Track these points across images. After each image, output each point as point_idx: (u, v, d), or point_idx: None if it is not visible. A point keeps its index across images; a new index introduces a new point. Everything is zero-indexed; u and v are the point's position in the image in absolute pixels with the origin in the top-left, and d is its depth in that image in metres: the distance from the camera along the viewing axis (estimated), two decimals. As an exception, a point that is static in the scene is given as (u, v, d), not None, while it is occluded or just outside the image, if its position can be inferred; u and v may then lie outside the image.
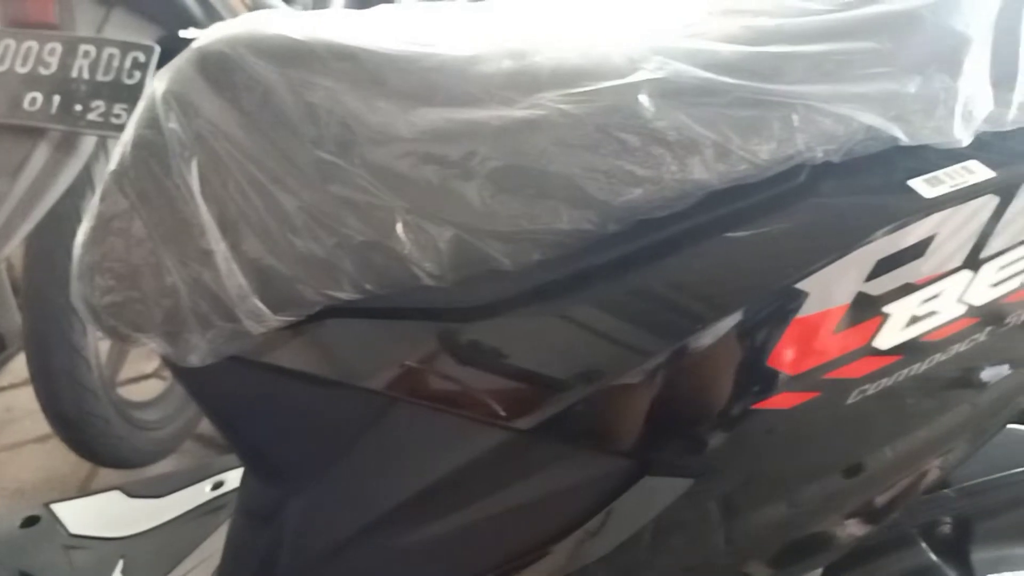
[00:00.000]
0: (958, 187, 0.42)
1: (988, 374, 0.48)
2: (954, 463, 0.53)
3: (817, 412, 0.45)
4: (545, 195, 0.42)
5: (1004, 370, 0.49)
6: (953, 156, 0.44)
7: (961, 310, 0.44)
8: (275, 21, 0.47)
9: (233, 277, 0.44)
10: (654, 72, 0.41)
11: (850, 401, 0.45)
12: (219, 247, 0.44)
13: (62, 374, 1.18)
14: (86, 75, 1.00)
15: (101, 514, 0.90)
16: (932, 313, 0.44)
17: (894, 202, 0.42)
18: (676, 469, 0.45)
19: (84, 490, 1.44)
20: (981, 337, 0.46)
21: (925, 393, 0.47)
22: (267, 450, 0.54)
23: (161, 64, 0.55)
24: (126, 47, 1.00)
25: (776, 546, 0.51)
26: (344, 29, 0.46)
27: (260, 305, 0.44)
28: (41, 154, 1.02)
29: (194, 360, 0.47)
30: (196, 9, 1.16)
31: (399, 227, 0.43)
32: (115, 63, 1.00)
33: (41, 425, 1.29)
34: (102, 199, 0.48)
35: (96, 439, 1.27)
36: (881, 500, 0.51)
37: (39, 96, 0.98)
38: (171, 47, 0.62)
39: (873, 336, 0.43)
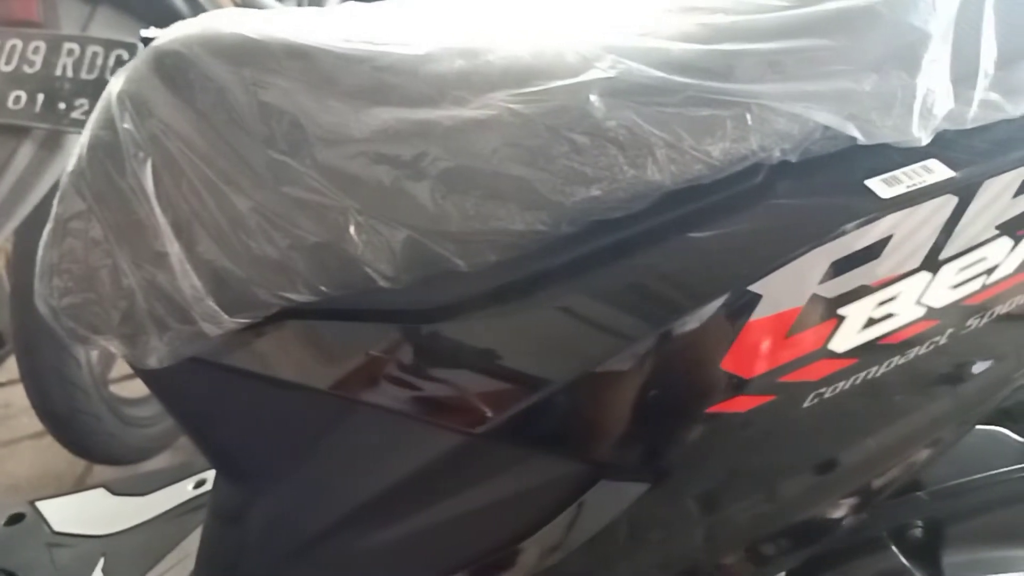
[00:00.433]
0: (916, 187, 0.41)
1: (950, 376, 0.47)
2: (922, 463, 0.52)
3: (774, 415, 0.44)
4: (497, 196, 0.41)
5: (970, 370, 0.48)
6: (915, 155, 0.43)
7: (920, 312, 0.44)
8: (234, 19, 0.47)
9: (188, 279, 0.44)
10: (606, 71, 0.40)
11: (807, 404, 0.44)
12: (173, 249, 0.44)
13: (51, 372, 1.18)
14: (70, 73, 1.00)
15: (85, 512, 0.90)
16: (889, 315, 0.43)
17: (849, 202, 0.41)
18: (632, 474, 0.45)
19: (79, 486, 1.45)
20: (942, 340, 0.45)
21: (884, 396, 0.46)
22: (231, 451, 0.54)
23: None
24: (110, 45, 1.00)
25: (741, 544, 0.50)
26: (301, 27, 0.46)
27: (215, 307, 0.44)
28: (26, 153, 1.02)
29: (153, 362, 0.47)
30: (183, 7, 1.16)
31: (352, 228, 0.42)
32: (99, 61, 1.00)
33: (37, 421, 1.30)
34: (60, 200, 0.48)
35: (88, 436, 1.28)
36: (847, 501, 0.51)
37: (23, 95, 0.98)
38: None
39: (829, 339, 0.42)
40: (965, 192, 0.42)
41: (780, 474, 0.48)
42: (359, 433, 0.48)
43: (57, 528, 0.88)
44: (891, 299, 0.43)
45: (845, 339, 0.43)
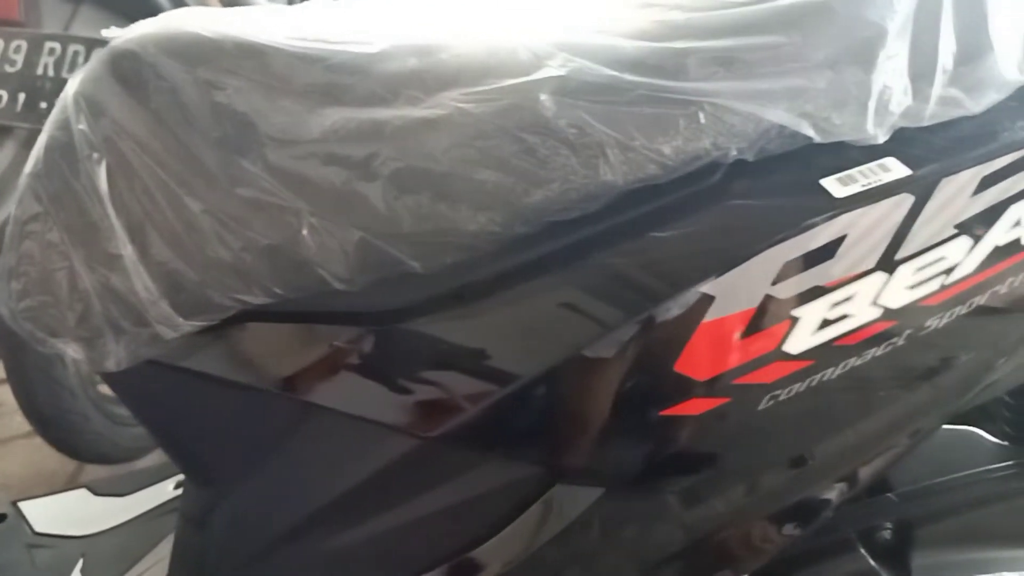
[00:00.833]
0: (871, 186, 0.41)
1: (908, 378, 0.47)
2: (889, 463, 0.51)
3: (729, 418, 0.43)
4: (449, 197, 0.41)
5: (930, 373, 0.47)
6: (874, 153, 0.42)
7: (876, 313, 0.43)
8: (192, 18, 0.46)
9: (142, 281, 0.44)
10: (557, 70, 0.40)
11: (762, 407, 0.43)
12: (127, 251, 0.44)
13: (36, 372, 1.18)
14: (51, 72, 1.00)
15: (66, 512, 0.90)
16: (845, 316, 0.42)
17: (802, 202, 0.40)
18: (587, 478, 0.44)
19: (70, 486, 1.45)
20: (900, 341, 0.44)
21: (841, 398, 0.46)
22: (194, 454, 0.54)
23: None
24: (91, 44, 1.00)
25: (700, 548, 0.50)
26: (256, 26, 0.45)
27: (170, 310, 0.44)
28: (7, 152, 1.02)
29: (111, 365, 0.46)
30: (167, 5, 1.16)
31: (304, 230, 0.42)
32: (80, 60, 1.00)
33: (29, 421, 1.30)
34: (18, 203, 0.47)
35: (75, 436, 1.27)
36: (812, 501, 0.50)
37: (4, 94, 0.99)
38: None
39: (783, 340, 0.42)
40: (922, 191, 0.42)
41: (736, 478, 0.47)
42: (317, 436, 0.48)
43: (38, 529, 0.88)
44: (846, 300, 0.42)
45: (799, 341, 0.42)
